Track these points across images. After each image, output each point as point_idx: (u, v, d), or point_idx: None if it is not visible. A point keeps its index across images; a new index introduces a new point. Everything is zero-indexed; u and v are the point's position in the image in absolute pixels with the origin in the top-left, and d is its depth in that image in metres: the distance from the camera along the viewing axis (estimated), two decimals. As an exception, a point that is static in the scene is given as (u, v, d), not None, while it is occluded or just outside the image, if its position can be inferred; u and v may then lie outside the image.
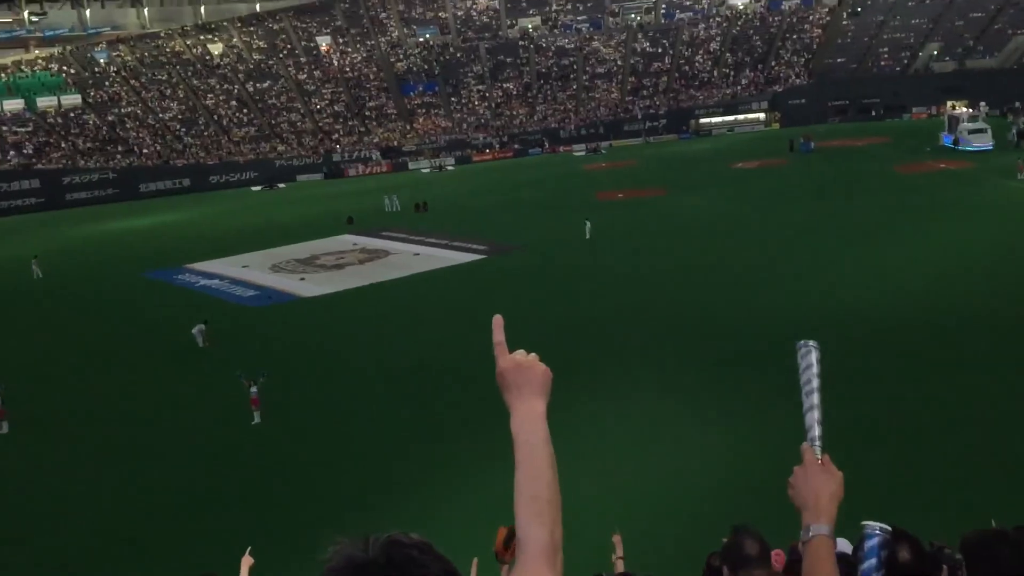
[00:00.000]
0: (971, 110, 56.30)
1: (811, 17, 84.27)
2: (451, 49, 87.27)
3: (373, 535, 1.51)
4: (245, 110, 78.78)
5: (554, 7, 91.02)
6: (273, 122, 78.19)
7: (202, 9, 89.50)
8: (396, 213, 48.86)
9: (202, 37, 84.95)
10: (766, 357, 18.75)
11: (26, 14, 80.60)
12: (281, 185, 69.93)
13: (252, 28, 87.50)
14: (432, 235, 40.57)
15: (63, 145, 70.01)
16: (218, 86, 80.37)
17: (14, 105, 71.74)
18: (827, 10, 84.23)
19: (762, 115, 77.57)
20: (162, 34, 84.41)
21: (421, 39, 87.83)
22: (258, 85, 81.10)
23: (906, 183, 42.76)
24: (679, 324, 23.23)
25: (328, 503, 14.79)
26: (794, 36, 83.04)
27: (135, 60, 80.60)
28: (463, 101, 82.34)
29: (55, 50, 79.69)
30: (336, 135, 78.03)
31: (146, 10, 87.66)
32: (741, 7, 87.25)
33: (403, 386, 20.51)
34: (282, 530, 13.59)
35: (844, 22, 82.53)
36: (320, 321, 27.49)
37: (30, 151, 68.57)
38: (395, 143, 77.15)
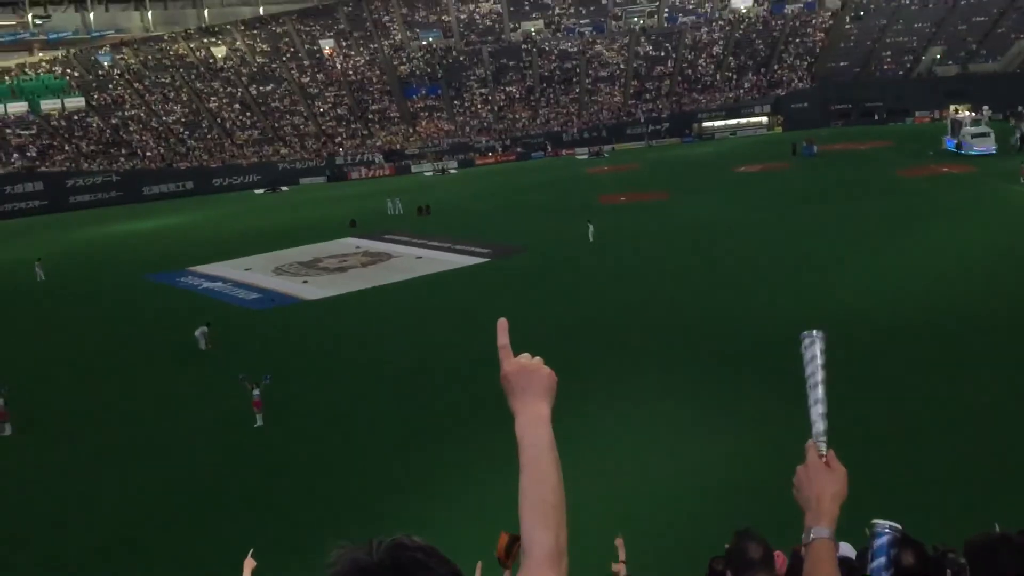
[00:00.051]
0: (974, 114, 56.22)
1: (814, 21, 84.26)
2: (454, 52, 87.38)
3: (377, 538, 1.50)
4: (248, 113, 78.91)
5: (557, 10, 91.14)
6: (276, 125, 78.32)
7: (205, 12, 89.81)
8: (399, 216, 48.92)
9: (205, 40, 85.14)
10: (767, 358, 18.82)
11: (30, 17, 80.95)
12: (284, 188, 70.11)
13: (255, 31, 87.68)
14: (435, 238, 40.59)
15: (67, 148, 70.17)
16: (221, 89, 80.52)
17: (18, 108, 71.95)
18: (830, 14, 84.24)
19: (765, 119, 77.61)
20: (166, 37, 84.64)
21: (424, 42, 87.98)
22: (261, 88, 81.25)
23: (909, 187, 42.75)
24: (681, 325, 23.24)
25: (329, 505, 14.79)
26: (797, 40, 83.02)
27: (139, 63, 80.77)
28: (466, 104, 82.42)
29: (59, 53, 79.90)
30: (339, 138, 78.13)
31: (150, 13, 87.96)
32: (744, 11, 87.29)
33: (405, 388, 20.51)
34: (283, 531, 13.61)
35: (847, 26, 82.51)
36: (323, 324, 27.51)
37: (34, 154, 68.75)
38: (398, 146, 77.23)
